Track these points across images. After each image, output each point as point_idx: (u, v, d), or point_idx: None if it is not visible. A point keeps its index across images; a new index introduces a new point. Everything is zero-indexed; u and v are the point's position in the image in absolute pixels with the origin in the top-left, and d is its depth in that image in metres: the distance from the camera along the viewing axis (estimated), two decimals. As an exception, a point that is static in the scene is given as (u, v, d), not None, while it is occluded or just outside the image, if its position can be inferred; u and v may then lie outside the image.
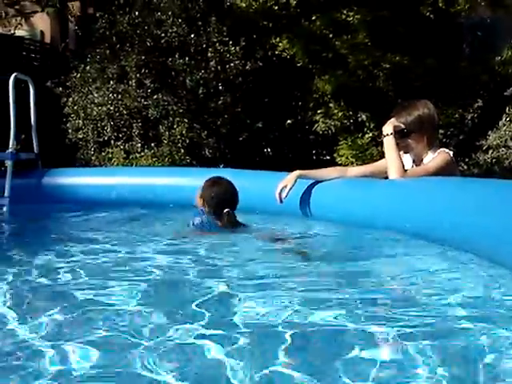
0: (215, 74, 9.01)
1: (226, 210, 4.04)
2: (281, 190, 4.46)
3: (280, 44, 9.50)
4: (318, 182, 4.68)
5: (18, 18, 15.78)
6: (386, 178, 4.25)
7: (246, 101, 9.39)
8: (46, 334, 2.19)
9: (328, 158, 10.14)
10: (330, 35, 9.56)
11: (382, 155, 4.43)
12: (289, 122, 10.15)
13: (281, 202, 4.47)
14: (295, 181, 4.48)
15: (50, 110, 9.35)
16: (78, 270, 3.25)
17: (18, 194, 6.37)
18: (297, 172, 4.54)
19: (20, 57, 12.81)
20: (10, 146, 6.78)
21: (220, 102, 9.06)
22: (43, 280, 3.12)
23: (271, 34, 9.63)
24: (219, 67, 9.00)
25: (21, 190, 6.51)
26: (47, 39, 15.81)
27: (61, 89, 9.73)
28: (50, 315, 2.41)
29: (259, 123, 9.58)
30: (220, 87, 9.11)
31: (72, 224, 5.69)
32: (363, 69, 9.49)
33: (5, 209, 6.17)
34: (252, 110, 9.52)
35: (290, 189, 4.45)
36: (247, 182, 5.93)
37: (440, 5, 9.34)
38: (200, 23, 9.13)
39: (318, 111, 9.88)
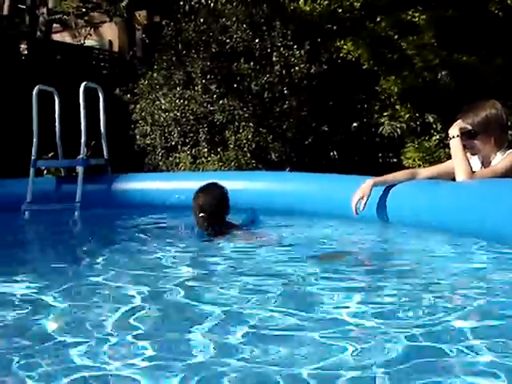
0: (280, 78, 9.02)
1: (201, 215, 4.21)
2: (357, 201, 4.38)
3: (345, 46, 9.46)
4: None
5: (88, 29, 16.15)
6: (454, 179, 4.18)
7: (312, 104, 9.37)
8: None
9: (395, 160, 10.03)
10: (395, 36, 9.47)
11: (449, 157, 4.35)
12: (354, 124, 10.09)
13: (357, 213, 4.39)
14: (371, 190, 4.38)
15: (119, 117, 9.54)
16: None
17: (89, 199, 6.51)
18: (371, 181, 4.43)
19: (89, 66, 13.13)
20: (81, 152, 6.95)
21: (285, 106, 9.06)
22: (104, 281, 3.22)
23: (336, 36, 9.59)
24: (284, 71, 9.01)
25: (91, 195, 6.66)
26: (115, 48, 16.16)
27: (129, 96, 9.91)
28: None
29: (325, 126, 9.55)
30: (285, 91, 9.12)
31: (139, 228, 5.79)
32: (429, 70, 9.36)
33: (76, 213, 6.33)
34: (317, 113, 9.50)
35: (367, 199, 4.36)
36: (313, 186, 5.95)
37: (509, 2, 9.13)
38: (264, 28, 9.16)
39: (384, 113, 9.79)
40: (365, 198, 4.35)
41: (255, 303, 2.68)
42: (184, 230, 4.59)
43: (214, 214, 4.26)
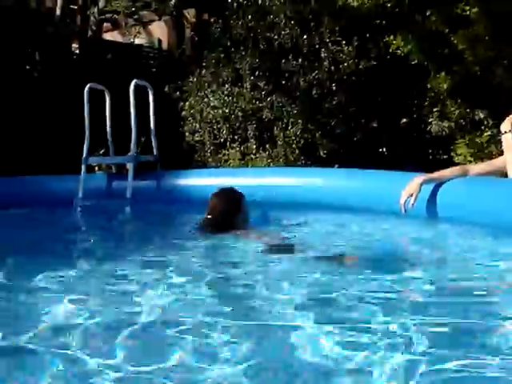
0: (329, 74, 8.99)
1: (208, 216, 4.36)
2: (406, 199, 4.35)
3: (394, 42, 9.35)
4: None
5: (137, 27, 16.32)
6: (506, 176, 4.11)
7: (361, 100, 9.31)
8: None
9: (445, 157, 9.89)
10: (446, 30, 9.33)
11: (501, 153, 4.28)
12: (404, 120, 9.98)
13: (405, 211, 4.36)
14: (420, 188, 4.34)
15: (168, 114, 9.63)
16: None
17: (139, 196, 6.60)
18: (420, 179, 4.38)
19: (139, 64, 13.26)
20: (131, 149, 7.04)
21: (334, 102, 9.03)
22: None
23: (384, 31, 9.49)
24: (332, 67, 8.97)
25: (141, 191, 6.74)
26: (164, 46, 16.29)
27: (178, 93, 10.01)
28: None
29: (374, 122, 9.48)
30: (334, 87, 9.08)
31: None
32: (481, 64, 9.21)
33: (127, 209, 6.41)
34: (366, 109, 9.43)
35: (416, 197, 4.32)
36: (362, 182, 5.92)
37: None
38: (312, 24, 9.14)
39: (434, 109, 9.66)
40: (414, 196, 4.30)
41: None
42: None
43: (220, 219, 4.35)
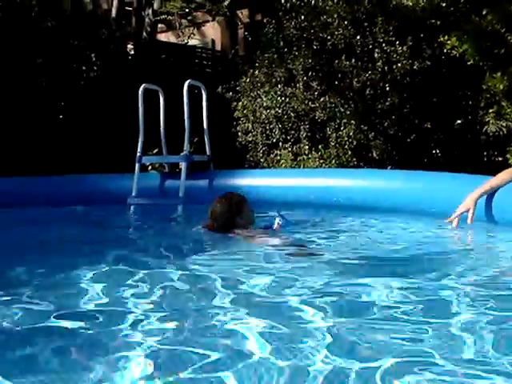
0: (382, 75, 8.91)
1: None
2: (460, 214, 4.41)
3: (448, 42, 9.21)
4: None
5: (191, 28, 16.45)
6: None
7: (414, 101, 9.21)
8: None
9: (500, 159, 9.72)
10: (502, 30, 9.17)
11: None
12: (458, 122, 9.83)
13: (457, 226, 4.42)
14: (475, 203, 4.41)
15: (221, 114, 9.70)
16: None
17: (192, 195, 6.66)
18: (475, 194, 4.45)
19: (193, 65, 13.37)
20: (185, 148, 7.11)
21: (387, 103, 8.95)
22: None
23: (439, 31, 9.37)
24: (386, 68, 8.89)
25: (194, 190, 6.81)
26: (218, 47, 16.40)
27: (231, 93, 10.06)
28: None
29: (427, 124, 9.36)
30: (387, 88, 9.00)
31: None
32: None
33: (180, 208, 6.48)
34: (420, 110, 9.32)
35: (474, 213, 4.39)
36: (416, 184, 5.88)
37: None
38: (366, 24, 9.07)
39: (490, 110, 9.50)
40: (471, 212, 4.39)
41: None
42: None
43: (222, 223, 4.51)
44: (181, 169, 7.11)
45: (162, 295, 2.86)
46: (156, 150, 8.84)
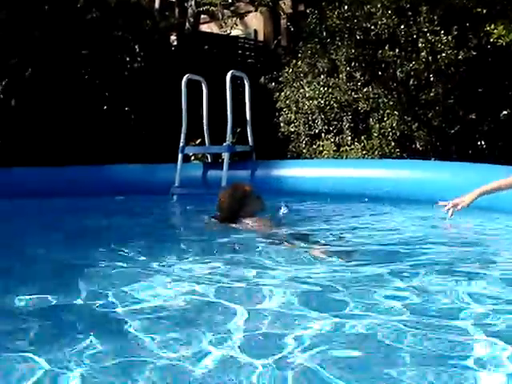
0: (426, 65, 8.81)
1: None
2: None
3: (495, 31, 9.06)
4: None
5: (234, 19, 16.46)
6: None
7: (459, 92, 9.09)
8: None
9: (547, 151, 9.55)
10: (551, 19, 8.99)
11: None
12: (504, 113, 9.68)
13: (451, 216, 4.36)
14: (474, 200, 4.32)
15: (264, 105, 9.70)
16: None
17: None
18: (478, 191, 4.36)
19: (236, 55, 13.38)
20: (227, 139, 7.14)
21: (431, 94, 8.85)
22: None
23: (485, 20, 9.21)
24: (430, 58, 8.78)
25: (236, 180, 6.82)
26: (260, 37, 16.38)
27: (273, 84, 10.07)
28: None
29: (472, 115, 9.23)
30: (431, 78, 8.90)
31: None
32: None
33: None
34: (465, 101, 9.20)
35: (464, 206, 4.31)
36: (460, 175, 5.81)
37: None
38: (410, 13, 8.97)
39: (537, 101, 9.34)
40: (462, 204, 4.30)
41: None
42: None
43: (229, 213, 4.57)
44: (223, 159, 7.14)
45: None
46: (199, 141, 8.88)
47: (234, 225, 4.50)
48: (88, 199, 6.76)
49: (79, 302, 2.64)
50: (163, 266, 3.30)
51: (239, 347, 2.05)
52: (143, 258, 3.54)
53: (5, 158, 8.56)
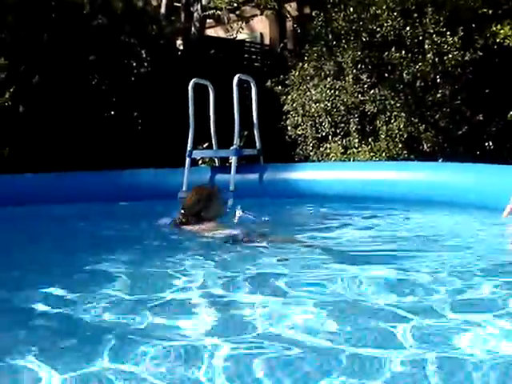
0: (433, 67, 8.81)
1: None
2: None
3: (501, 31, 9.06)
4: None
5: (240, 23, 16.46)
6: None
7: (466, 93, 9.07)
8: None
9: (554, 152, 9.53)
10: (558, 19, 8.97)
11: None
12: (511, 113, 9.67)
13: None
14: None
15: (271, 108, 9.69)
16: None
17: (242, 189, 6.68)
18: None
19: (242, 59, 13.39)
20: (234, 142, 7.14)
21: (438, 95, 8.84)
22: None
23: (491, 21, 9.21)
24: (437, 59, 8.78)
25: (244, 184, 6.83)
26: (266, 41, 16.37)
27: (280, 87, 10.05)
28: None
29: (480, 116, 9.21)
30: (438, 80, 8.90)
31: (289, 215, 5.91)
32: None
33: (230, 202, 6.50)
34: (472, 102, 9.18)
35: None
36: (468, 177, 5.81)
37: None
38: (416, 15, 8.97)
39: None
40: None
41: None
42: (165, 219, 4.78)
43: (192, 213, 4.58)
44: (231, 163, 7.15)
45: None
46: (206, 145, 8.90)
47: (188, 227, 4.51)
48: (94, 204, 6.75)
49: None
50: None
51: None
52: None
53: (14, 165, 8.58)
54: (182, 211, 4.61)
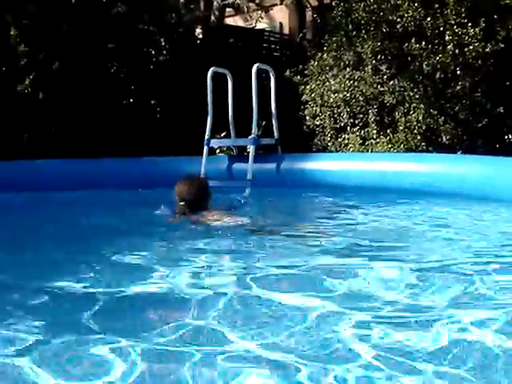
0: (453, 58, 8.73)
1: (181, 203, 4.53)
2: None
3: (524, 23, 8.97)
4: None
5: (259, 12, 16.43)
6: None
7: (486, 85, 9.00)
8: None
9: None
10: None
11: None
12: (532, 106, 9.58)
13: None
14: None
15: (289, 98, 9.67)
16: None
17: (259, 178, 6.68)
18: None
19: (261, 48, 13.36)
20: (252, 132, 7.13)
21: (458, 87, 8.78)
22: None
23: (513, 12, 9.12)
24: (457, 50, 8.70)
25: (262, 173, 6.83)
26: (285, 30, 16.32)
27: (299, 77, 10.03)
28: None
29: (500, 108, 9.14)
30: (458, 71, 8.83)
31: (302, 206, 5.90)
32: None
33: (247, 191, 6.51)
34: (492, 94, 9.11)
35: None
36: (487, 169, 5.76)
37: None
38: (437, 6, 8.89)
39: None
40: None
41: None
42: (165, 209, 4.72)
43: (193, 203, 4.53)
44: (249, 152, 7.15)
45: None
46: (224, 134, 8.90)
47: (196, 218, 4.47)
48: (114, 191, 6.77)
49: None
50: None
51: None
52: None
53: (34, 151, 8.63)
54: (182, 202, 4.54)
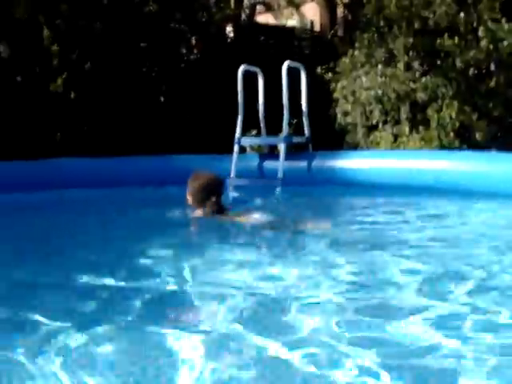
0: (487, 54, 8.63)
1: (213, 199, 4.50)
2: None
3: (560, 17, 8.83)
4: None
5: (290, 9, 16.38)
6: None
7: (521, 81, 8.88)
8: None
9: None
10: None
11: None
12: None
13: None
14: None
15: (320, 96, 9.62)
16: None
17: (290, 176, 6.66)
18: None
19: (292, 46, 13.31)
20: (283, 130, 7.11)
21: (492, 83, 8.66)
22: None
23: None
24: (491, 46, 8.60)
25: (293, 172, 6.81)
26: (316, 27, 16.25)
27: (330, 74, 9.98)
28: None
29: (535, 105, 9.01)
30: (492, 67, 8.72)
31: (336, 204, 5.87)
32: None
33: (278, 189, 6.50)
34: (527, 90, 8.98)
35: None
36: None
37: None
38: (470, 1, 8.79)
39: None
40: None
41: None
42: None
43: (198, 200, 4.54)
44: (279, 150, 7.13)
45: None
46: (255, 132, 8.89)
47: (224, 217, 4.48)
48: (144, 189, 6.80)
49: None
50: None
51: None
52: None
53: (64, 150, 8.71)
54: (189, 199, 4.56)
